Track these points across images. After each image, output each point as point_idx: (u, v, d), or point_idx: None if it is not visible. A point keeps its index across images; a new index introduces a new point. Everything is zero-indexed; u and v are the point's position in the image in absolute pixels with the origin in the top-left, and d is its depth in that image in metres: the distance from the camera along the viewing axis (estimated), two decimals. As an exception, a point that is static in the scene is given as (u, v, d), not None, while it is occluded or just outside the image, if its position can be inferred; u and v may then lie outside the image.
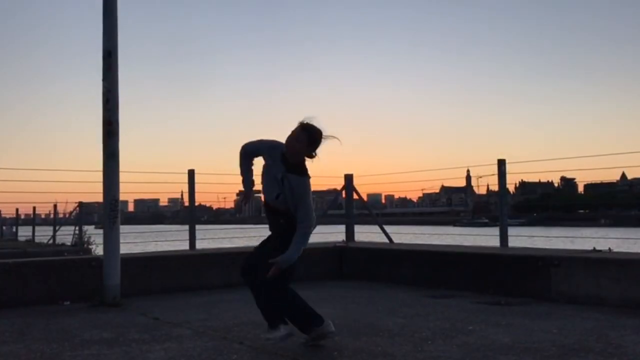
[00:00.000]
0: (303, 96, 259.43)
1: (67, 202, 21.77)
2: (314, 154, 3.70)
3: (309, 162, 3.75)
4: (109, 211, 5.62)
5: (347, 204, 9.04)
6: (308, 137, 3.63)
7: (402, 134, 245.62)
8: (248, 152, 3.84)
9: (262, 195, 3.85)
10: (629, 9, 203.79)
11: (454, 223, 69.88)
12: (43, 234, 23.28)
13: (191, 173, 8.07)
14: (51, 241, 20.67)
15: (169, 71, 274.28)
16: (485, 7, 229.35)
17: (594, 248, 6.05)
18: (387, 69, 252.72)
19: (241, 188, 3.98)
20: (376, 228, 9.11)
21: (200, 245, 8.14)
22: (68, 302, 5.63)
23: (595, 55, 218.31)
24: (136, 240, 11.53)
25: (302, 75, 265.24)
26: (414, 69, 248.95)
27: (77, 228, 20.21)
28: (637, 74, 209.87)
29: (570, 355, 3.47)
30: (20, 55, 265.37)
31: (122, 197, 5.97)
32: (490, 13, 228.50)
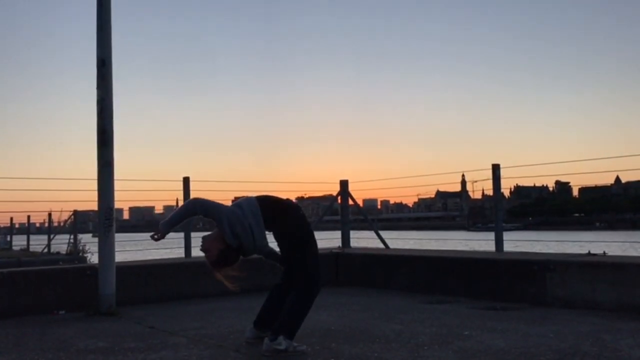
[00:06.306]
0: (298, 103, 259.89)
1: (61, 211, 21.73)
2: None
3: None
4: (104, 219, 5.61)
5: (342, 210, 9.04)
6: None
7: (398, 140, 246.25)
8: None
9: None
10: (622, 14, 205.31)
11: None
12: (38, 242, 23.21)
13: (186, 180, 8.07)
14: (46, 250, 20.63)
15: (163, 79, 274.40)
16: (479, 12, 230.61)
17: (589, 252, 6.06)
18: (382, 74, 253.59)
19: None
20: (372, 234, 9.12)
21: (195, 253, 8.11)
22: (63, 312, 5.61)
23: (588, 59, 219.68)
24: (132, 249, 11.50)
25: (298, 81, 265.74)
26: (409, 75, 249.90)
27: (72, 237, 20.16)
28: (629, 77, 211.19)
29: (566, 360, 3.48)
30: (14, 65, 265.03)
31: (117, 205, 5.96)
32: (485, 19, 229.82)
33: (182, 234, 8.22)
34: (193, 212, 3.87)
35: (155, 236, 3.87)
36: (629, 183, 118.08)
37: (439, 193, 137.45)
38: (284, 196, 4.19)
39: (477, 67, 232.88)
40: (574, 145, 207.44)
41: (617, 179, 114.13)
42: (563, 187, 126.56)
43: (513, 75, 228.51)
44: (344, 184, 8.99)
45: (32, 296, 5.64)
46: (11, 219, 25.92)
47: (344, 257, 7.68)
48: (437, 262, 6.71)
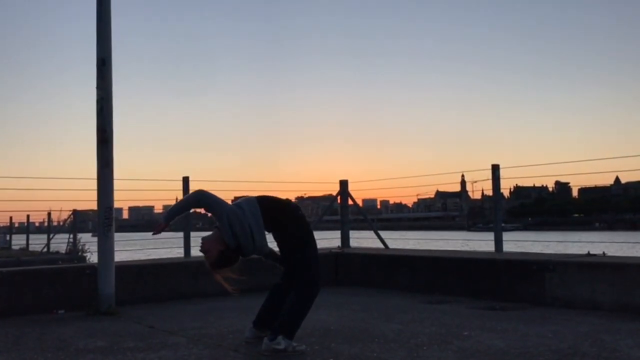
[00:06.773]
0: (298, 102, 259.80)
1: (61, 210, 21.75)
2: None
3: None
4: (104, 219, 5.61)
5: (342, 210, 9.05)
6: None
7: (397, 140, 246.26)
8: None
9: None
10: (622, 14, 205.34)
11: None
12: (37, 242, 23.19)
13: (186, 180, 8.06)
14: (45, 249, 20.60)
15: (163, 79, 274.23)
16: (478, 12, 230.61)
17: (589, 252, 6.06)
18: (382, 74, 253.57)
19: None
20: (372, 234, 9.12)
21: (195, 252, 8.11)
22: (62, 311, 5.61)
23: (588, 59, 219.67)
24: (131, 248, 11.50)
25: (298, 81, 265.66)
26: (409, 75, 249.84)
27: (71, 236, 20.15)
28: (629, 77, 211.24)
29: (565, 360, 3.48)
30: (14, 65, 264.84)
31: (116, 205, 5.96)
32: (484, 19, 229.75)
33: (181, 234, 8.22)
34: (196, 205, 3.88)
35: (155, 231, 3.87)
36: (628, 183, 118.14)
37: (438, 193, 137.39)
38: (284, 196, 4.20)
39: (477, 67, 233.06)
40: (574, 145, 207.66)
41: (617, 179, 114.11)
42: (563, 188, 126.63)
43: (513, 75, 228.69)
44: (343, 184, 8.99)
45: (31, 295, 5.64)
46: (10, 218, 25.89)
47: (344, 257, 7.68)
48: (437, 262, 6.71)
